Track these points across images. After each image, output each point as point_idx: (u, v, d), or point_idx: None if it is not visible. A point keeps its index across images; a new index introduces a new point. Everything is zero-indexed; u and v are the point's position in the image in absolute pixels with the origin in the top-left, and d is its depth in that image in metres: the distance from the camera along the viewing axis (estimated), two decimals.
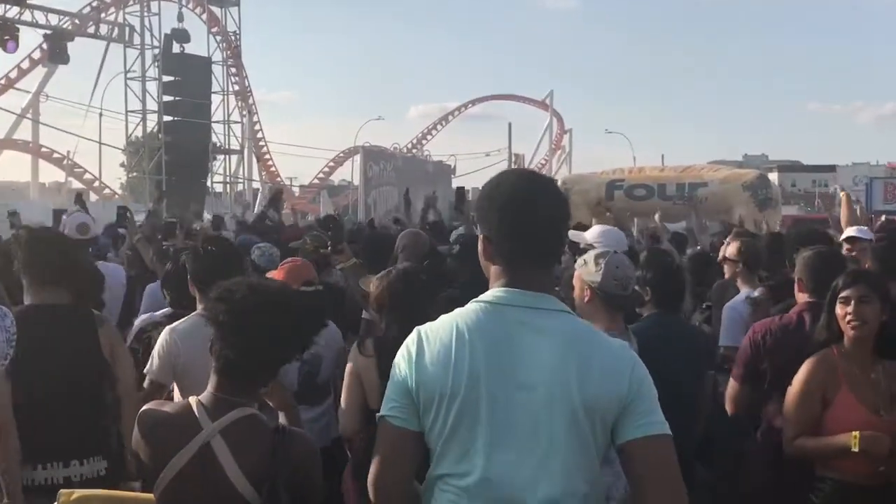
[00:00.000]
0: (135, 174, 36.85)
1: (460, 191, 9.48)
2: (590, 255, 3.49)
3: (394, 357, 1.98)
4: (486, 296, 1.96)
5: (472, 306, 1.96)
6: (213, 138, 38.53)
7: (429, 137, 59.20)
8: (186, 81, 34.35)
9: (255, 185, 44.52)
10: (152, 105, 35.86)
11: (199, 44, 37.30)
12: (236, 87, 42.37)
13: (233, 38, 41.68)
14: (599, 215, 11.25)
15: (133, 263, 6.65)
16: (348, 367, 3.53)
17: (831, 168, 63.56)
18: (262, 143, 46.76)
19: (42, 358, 3.18)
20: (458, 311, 1.97)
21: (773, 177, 39.75)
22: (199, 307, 3.50)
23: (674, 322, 3.98)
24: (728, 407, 3.94)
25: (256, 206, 19.65)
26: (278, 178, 48.68)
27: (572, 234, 4.88)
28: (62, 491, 2.48)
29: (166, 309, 4.35)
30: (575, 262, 3.58)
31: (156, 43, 35.53)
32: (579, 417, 1.85)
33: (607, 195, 18.99)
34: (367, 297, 3.99)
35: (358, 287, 4.57)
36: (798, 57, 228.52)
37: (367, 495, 1.99)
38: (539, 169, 53.22)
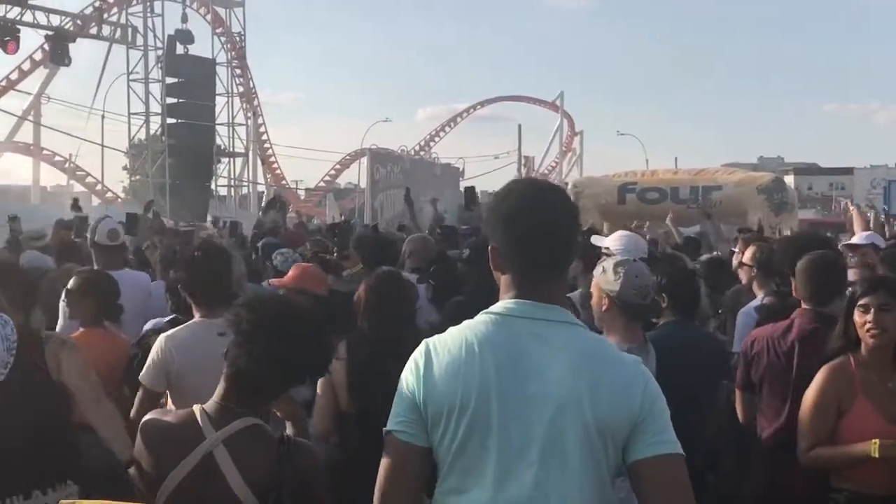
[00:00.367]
0: (138, 177, 36.67)
1: (470, 190, 9.41)
2: (608, 263, 3.46)
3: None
4: (497, 307, 1.93)
5: (481, 317, 1.92)
6: (218, 141, 38.37)
7: (437, 139, 59.20)
8: (190, 83, 34.10)
9: (261, 188, 44.59)
10: (155, 107, 35.75)
11: (203, 45, 37.21)
12: (241, 89, 42.22)
13: (237, 38, 41.60)
14: (611, 219, 11.18)
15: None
16: None
17: (848, 171, 63.40)
18: (267, 146, 46.71)
19: None
20: (467, 322, 1.93)
21: (790, 180, 39.76)
22: (196, 315, 3.48)
23: (691, 330, 3.97)
24: (738, 414, 3.91)
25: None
26: (283, 181, 48.74)
27: (594, 239, 4.97)
28: (62, 502, 2.44)
29: (172, 316, 4.32)
30: (582, 268, 3.55)
31: (159, 44, 35.38)
32: (592, 434, 1.81)
33: (619, 198, 18.96)
34: None
35: None
36: (814, 58, 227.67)
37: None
38: (549, 171, 53.43)
